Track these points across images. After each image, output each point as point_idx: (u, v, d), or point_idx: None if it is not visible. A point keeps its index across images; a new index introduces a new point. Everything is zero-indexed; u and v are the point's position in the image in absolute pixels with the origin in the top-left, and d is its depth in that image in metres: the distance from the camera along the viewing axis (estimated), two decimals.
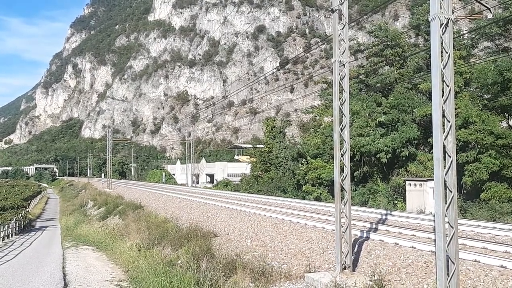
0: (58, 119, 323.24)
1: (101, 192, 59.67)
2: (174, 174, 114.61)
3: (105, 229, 27.43)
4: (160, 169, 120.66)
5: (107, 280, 15.41)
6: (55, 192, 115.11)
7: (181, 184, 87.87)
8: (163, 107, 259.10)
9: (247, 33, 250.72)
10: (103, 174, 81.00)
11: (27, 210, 51.94)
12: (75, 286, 14.79)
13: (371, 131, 31.69)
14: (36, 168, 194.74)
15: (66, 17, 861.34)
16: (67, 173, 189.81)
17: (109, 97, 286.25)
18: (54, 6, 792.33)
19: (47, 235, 34.48)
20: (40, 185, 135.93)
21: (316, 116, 45.55)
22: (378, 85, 35.75)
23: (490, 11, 9.67)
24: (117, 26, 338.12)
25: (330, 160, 33.04)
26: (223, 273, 12.45)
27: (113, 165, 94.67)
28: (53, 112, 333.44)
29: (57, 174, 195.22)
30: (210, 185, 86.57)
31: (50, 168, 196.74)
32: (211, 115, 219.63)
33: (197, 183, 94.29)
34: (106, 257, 20.30)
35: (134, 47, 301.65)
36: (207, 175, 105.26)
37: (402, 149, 29.91)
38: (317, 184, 36.24)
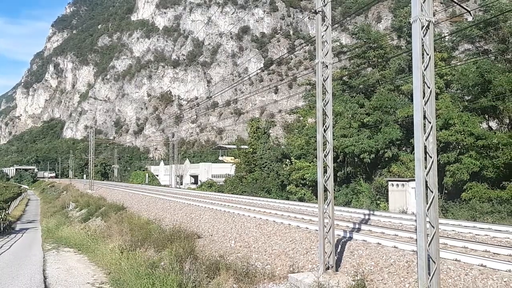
0: (39, 120, 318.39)
1: (83, 193, 58.90)
2: (157, 175, 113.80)
3: (87, 231, 27.03)
4: (143, 170, 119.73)
5: (88, 283, 15.19)
6: (36, 193, 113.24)
7: (164, 185, 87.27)
8: (146, 108, 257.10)
9: (231, 33, 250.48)
10: (85, 175, 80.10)
11: (7, 212, 50.96)
12: None
13: (355, 132, 31.93)
14: (16, 169, 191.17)
15: (51, 16, 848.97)
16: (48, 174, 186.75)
17: (91, 97, 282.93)
18: (38, 5, 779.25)
19: (27, 238, 33.89)
20: (21, 186, 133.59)
21: (300, 117, 45.72)
22: (361, 86, 36.04)
23: (470, 13, 9.80)
24: (100, 25, 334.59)
25: (314, 160, 33.18)
26: (207, 275, 12.38)
27: (95, 166, 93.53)
28: (34, 113, 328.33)
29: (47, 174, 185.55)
30: (194, 186, 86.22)
31: (31, 169, 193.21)
32: (195, 116, 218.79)
33: (181, 184, 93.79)
34: (87, 259, 20.02)
35: (117, 47, 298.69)
36: (191, 176, 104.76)
37: (385, 149, 30.20)
38: (300, 185, 36.39)
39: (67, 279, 15.88)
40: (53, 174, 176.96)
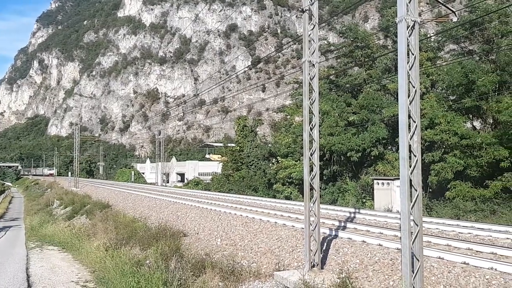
0: (23, 116, 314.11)
1: (68, 191, 58.28)
2: (143, 173, 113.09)
3: (71, 229, 26.79)
4: (129, 168, 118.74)
5: (72, 281, 15.06)
6: (20, 191, 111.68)
7: (150, 183, 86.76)
8: (132, 105, 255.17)
9: (218, 31, 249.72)
10: (70, 173, 79.14)
11: None
12: None
13: (341, 130, 32.10)
14: None
15: (35, 11, 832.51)
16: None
17: (77, 94, 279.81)
18: (23, 0, 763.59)
19: (10, 236, 33.39)
20: (4, 184, 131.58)
21: (287, 116, 45.75)
22: (347, 85, 36.20)
23: (455, 14, 9.90)
24: (86, 21, 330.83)
25: (301, 159, 33.27)
26: (192, 273, 12.35)
27: (80, 163, 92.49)
28: (18, 109, 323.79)
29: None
30: (180, 184, 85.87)
31: (14, 166, 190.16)
32: (182, 114, 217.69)
33: (167, 182, 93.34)
34: (72, 257, 19.84)
35: (103, 43, 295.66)
36: (177, 174, 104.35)
37: (372, 148, 30.40)
38: (287, 183, 36.47)
39: (51, 278, 15.73)
40: (53, 171, 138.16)
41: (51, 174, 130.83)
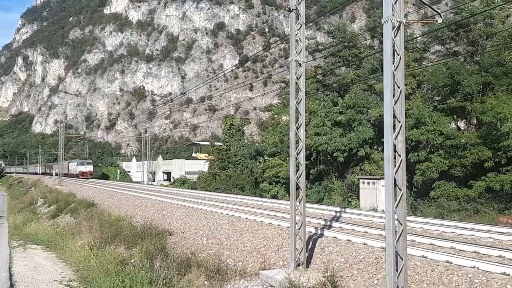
0: (7, 113, 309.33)
1: (52, 189, 57.58)
2: (129, 172, 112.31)
3: (55, 227, 26.48)
4: (115, 166, 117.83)
5: (56, 280, 14.88)
6: (3, 189, 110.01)
7: (136, 182, 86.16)
8: (118, 103, 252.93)
9: (206, 29, 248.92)
10: (54, 171, 78.16)
11: None
12: (21, 287, 14.19)
13: (328, 130, 32.21)
14: None
15: (20, 7, 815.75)
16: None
17: (62, 91, 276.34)
18: None
19: None
20: None
21: (274, 115, 45.84)
22: (335, 85, 36.35)
23: (440, 16, 10.01)
24: (71, 18, 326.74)
25: (288, 158, 33.31)
26: (178, 272, 12.29)
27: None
28: (2, 106, 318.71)
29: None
30: (166, 183, 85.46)
31: None
32: (169, 112, 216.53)
33: (153, 180, 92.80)
34: (56, 256, 19.59)
35: (89, 40, 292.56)
36: (164, 172, 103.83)
37: (358, 148, 30.56)
38: (274, 182, 36.52)
39: (34, 277, 15.52)
40: (90, 168, 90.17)
41: (84, 174, 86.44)
